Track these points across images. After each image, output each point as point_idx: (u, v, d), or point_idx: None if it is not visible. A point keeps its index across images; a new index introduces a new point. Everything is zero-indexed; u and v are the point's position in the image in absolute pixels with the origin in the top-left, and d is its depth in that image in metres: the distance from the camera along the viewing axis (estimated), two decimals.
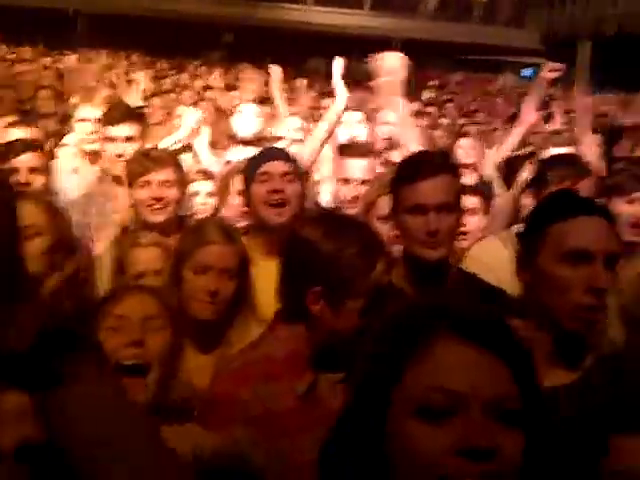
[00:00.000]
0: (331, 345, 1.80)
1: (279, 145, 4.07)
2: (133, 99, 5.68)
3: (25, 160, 3.29)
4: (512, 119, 7.23)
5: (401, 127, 3.44)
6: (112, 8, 17.91)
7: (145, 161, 3.08)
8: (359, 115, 4.93)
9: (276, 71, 5.59)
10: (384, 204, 2.84)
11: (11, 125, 4.18)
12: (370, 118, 4.96)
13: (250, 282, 2.40)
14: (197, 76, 11.05)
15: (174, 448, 1.15)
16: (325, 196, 3.91)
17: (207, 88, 8.49)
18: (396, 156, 4.37)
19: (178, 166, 3.15)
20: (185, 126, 4.44)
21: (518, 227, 2.77)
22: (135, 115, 3.76)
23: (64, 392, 1.06)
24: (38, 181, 3.32)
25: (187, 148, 4.45)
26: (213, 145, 4.79)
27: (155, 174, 3.01)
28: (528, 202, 2.95)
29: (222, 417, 1.73)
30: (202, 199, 3.73)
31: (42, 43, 12.77)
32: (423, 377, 0.99)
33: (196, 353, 2.31)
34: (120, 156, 3.50)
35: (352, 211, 3.26)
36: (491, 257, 2.67)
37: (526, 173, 3.46)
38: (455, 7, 22.71)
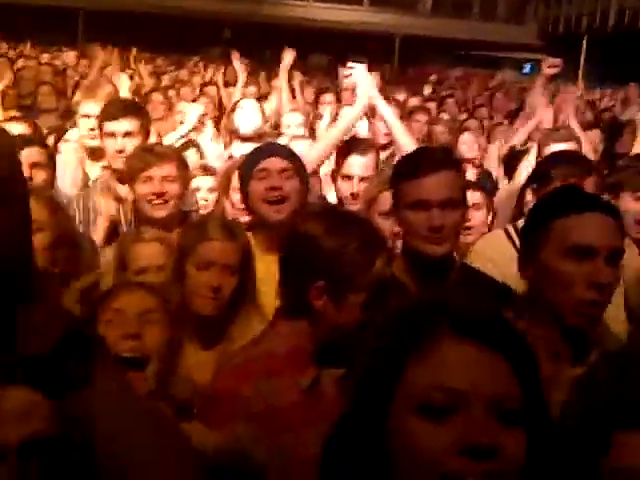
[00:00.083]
0: (334, 340, 1.80)
1: (280, 141, 4.07)
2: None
3: (26, 155, 3.28)
4: (512, 114, 7.25)
5: (393, 131, 3.45)
6: (115, 5, 17.89)
7: (147, 156, 3.07)
8: None
9: (289, 55, 5.50)
10: (385, 200, 2.84)
11: (10, 120, 4.19)
12: (370, 114, 4.96)
13: (253, 278, 2.39)
14: (196, 72, 11.04)
15: (189, 442, 1.15)
16: (328, 192, 3.91)
17: (207, 84, 8.47)
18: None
19: (180, 161, 3.14)
20: (188, 122, 4.43)
21: (522, 222, 2.77)
22: (134, 110, 3.75)
23: (88, 394, 1.07)
24: (39, 176, 3.32)
25: (190, 144, 4.45)
26: (215, 140, 4.79)
27: (157, 169, 3.00)
28: (531, 198, 2.95)
29: (224, 414, 1.73)
30: (203, 194, 3.73)
31: (42, 39, 12.76)
32: (424, 375, 0.98)
33: (198, 349, 2.31)
34: (120, 151, 3.48)
35: (353, 207, 3.26)
36: (495, 252, 2.66)
37: (527, 168, 3.46)
38: (454, 3, 22.69)
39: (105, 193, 3.38)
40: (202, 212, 3.48)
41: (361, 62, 3.60)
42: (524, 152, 4.16)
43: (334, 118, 4.71)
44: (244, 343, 1.98)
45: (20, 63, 9.36)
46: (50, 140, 4.47)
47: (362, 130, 4.64)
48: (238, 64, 6.85)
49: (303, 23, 19.49)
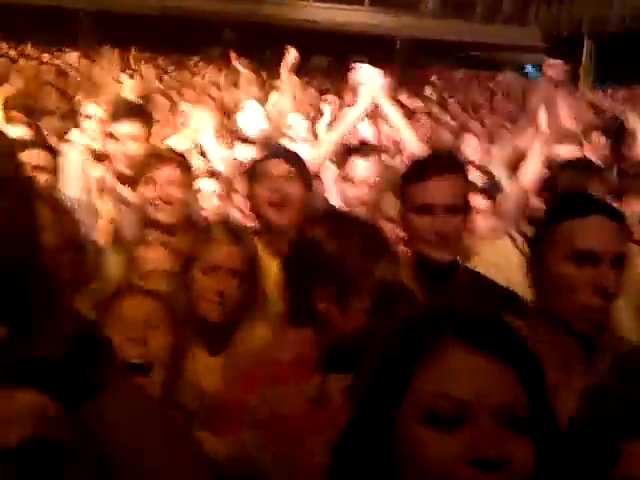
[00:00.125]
0: (340, 346, 1.79)
1: (282, 143, 4.06)
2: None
3: (28, 157, 3.28)
4: (514, 116, 7.24)
5: (398, 130, 3.45)
6: (116, 6, 17.89)
7: (150, 160, 3.07)
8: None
9: (291, 54, 5.47)
10: (390, 204, 2.84)
11: (10, 122, 4.19)
12: (375, 118, 4.95)
13: (259, 283, 2.39)
14: (197, 73, 11.03)
15: (201, 448, 1.15)
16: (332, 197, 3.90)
17: (209, 85, 8.47)
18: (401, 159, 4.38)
19: (184, 164, 3.14)
20: (194, 125, 4.42)
21: (526, 226, 2.77)
22: (138, 112, 3.75)
23: (101, 398, 1.07)
24: (42, 179, 3.31)
25: (194, 146, 4.45)
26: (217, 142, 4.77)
27: (160, 172, 3.00)
28: (537, 203, 2.95)
29: (230, 421, 1.72)
30: (207, 198, 3.72)
31: (43, 40, 12.75)
32: (430, 384, 0.98)
33: (205, 355, 2.31)
34: (124, 154, 3.48)
35: (358, 211, 3.25)
36: (500, 257, 2.66)
37: (531, 170, 3.45)
38: (456, 5, 22.68)
39: (107, 195, 3.38)
40: (206, 216, 3.47)
41: (362, 62, 3.60)
42: (527, 154, 4.15)
43: (334, 119, 4.70)
44: (250, 348, 1.97)
45: (21, 63, 9.36)
46: (53, 141, 4.47)
47: (367, 134, 4.63)
48: (240, 66, 6.80)
49: (304, 24, 19.48)
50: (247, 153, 4.13)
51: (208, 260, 2.33)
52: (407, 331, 1.05)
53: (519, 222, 3.07)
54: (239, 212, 3.35)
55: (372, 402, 1.02)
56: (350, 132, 3.51)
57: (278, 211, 2.71)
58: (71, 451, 1.15)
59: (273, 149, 3.12)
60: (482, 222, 3.28)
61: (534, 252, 1.84)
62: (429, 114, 6.81)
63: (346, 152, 3.53)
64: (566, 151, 3.81)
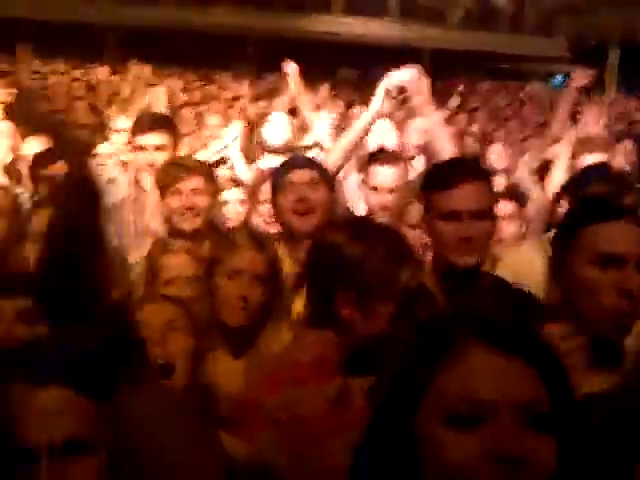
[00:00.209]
0: (362, 349, 1.79)
1: (309, 153, 4.08)
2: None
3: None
4: (542, 126, 7.21)
5: (434, 135, 3.41)
6: (143, 21, 18.11)
7: (175, 170, 3.10)
8: (388, 123, 4.92)
9: (292, 68, 5.46)
10: (414, 211, 2.84)
11: (33, 135, 4.28)
12: (399, 126, 4.95)
13: (282, 289, 2.40)
14: (225, 87, 11.12)
15: (222, 447, 1.16)
16: (356, 204, 3.90)
17: (235, 99, 8.53)
18: (422, 163, 4.36)
19: (209, 174, 3.17)
20: (227, 137, 4.45)
21: (553, 233, 2.75)
22: (165, 124, 3.78)
23: (131, 397, 1.09)
24: None
25: (223, 158, 4.49)
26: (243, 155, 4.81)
27: (185, 183, 3.03)
28: (563, 210, 2.93)
29: (250, 423, 1.73)
30: (233, 207, 3.75)
31: (73, 56, 12.94)
32: (451, 385, 0.98)
33: (228, 358, 2.33)
34: (151, 165, 3.52)
35: (382, 219, 3.25)
36: (525, 263, 2.65)
37: (559, 178, 3.43)
38: (482, 16, 22.64)
39: (135, 206, 3.42)
40: (231, 225, 3.50)
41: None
42: (555, 162, 4.13)
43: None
44: (272, 351, 1.98)
45: (53, 79, 9.52)
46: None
47: (391, 143, 4.64)
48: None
49: (330, 37, 19.57)
50: (273, 164, 4.15)
51: (231, 265, 2.35)
52: (427, 333, 1.05)
53: (545, 228, 3.05)
54: (263, 221, 3.37)
55: (392, 403, 1.03)
56: (363, 137, 3.47)
57: (302, 218, 2.72)
58: (101, 447, 1.17)
59: (296, 157, 3.13)
60: (507, 228, 3.27)
61: (558, 256, 1.84)
62: (456, 124, 6.80)
63: (368, 159, 3.53)
64: (594, 159, 3.77)
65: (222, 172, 4.23)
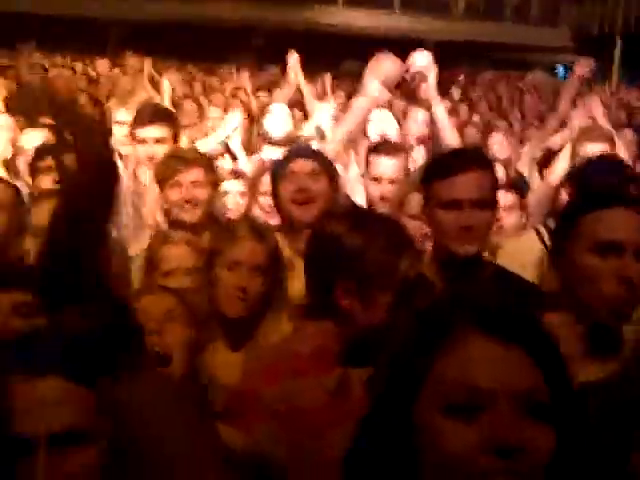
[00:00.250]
0: (361, 340, 1.79)
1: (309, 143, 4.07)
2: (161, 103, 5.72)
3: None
4: (544, 115, 7.18)
5: (440, 125, 3.39)
6: (145, 14, 18.08)
7: (174, 162, 3.09)
8: (389, 114, 4.91)
9: (293, 58, 5.40)
10: (414, 202, 2.84)
11: (32, 127, 4.28)
12: (399, 117, 4.93)
13: (282, 280, 2.40)
14: (227, 79, 11.10)
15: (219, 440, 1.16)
16: (356, 195, 3.89)
17: (237, 90, 8.51)
18: (422, 154, 4.35)
19: (208, 165, 3.16)
20: (227, 128, 4.44)
21: (552, 221, 2.74)
22: (165, 116, 3.78)
23: (129, 385, 1.09)
24: None
25: (225, 150, 4.48)
26: (244, 147, 4.80)
27: (185, 175, 3.02)
28: (565, 199, 2.92)
29: (249, 414, 1.73)
30: (233, 199, 3.74)
31: (74, 49, 12.94)
32: (449, 372, 0.98)
33: (227, 350, 2.33)
34: (151, 158, 3.51)
35: (383, 209, 3.25)
36: (526, 252, 2.64)
37: (560, 167, 3.42)
38: (486, 7, 22.57)
39: (136, 198, 3.42)
40: (232, 216, 3.50)
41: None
42: (557, 152, 4.12)
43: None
44: (271, 343, 1.98)
45: (54, 72, 9.51)
46: None
47: (392, 133, 4.63)
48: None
49: (334, 29, 19.51)
50: (274, 155, 4.14)
51: (231, 256, 2.35)
52: (425, 321, 1.05)
53: (546, 218, 3.04)
54: (263, 213, 3.37)
55: (391, 392, 1.03)
56: (358, 125, 3.42)
57: (302, 208, 2.72)
58: (101, 437, 1.17)
59: (297, 147, 3.12)
60: (508, 218, 3.26)
61: (558, 244, 1.83)
62: (457, 114, 6.79)
63: (369, 150, 3.52)
64: (596, 148, 3.76)
65: (222, 163, 4.22)
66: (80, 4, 18.05)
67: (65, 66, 10.46)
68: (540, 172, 4.14)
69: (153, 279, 2.52)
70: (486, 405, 0.95)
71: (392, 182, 3.44)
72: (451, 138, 3.33)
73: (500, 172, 4.05)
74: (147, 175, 3.40)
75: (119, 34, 17.66)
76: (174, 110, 5.30)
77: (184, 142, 4.28)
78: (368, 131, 4.31)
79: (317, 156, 2.88)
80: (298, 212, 2.73)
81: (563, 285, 1.81)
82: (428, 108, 3.55)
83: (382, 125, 4.66)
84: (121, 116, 4.67)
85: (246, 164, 4.38)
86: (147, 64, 7.13)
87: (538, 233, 2.80)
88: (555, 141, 4.48)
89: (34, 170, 3.69)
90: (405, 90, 4.68)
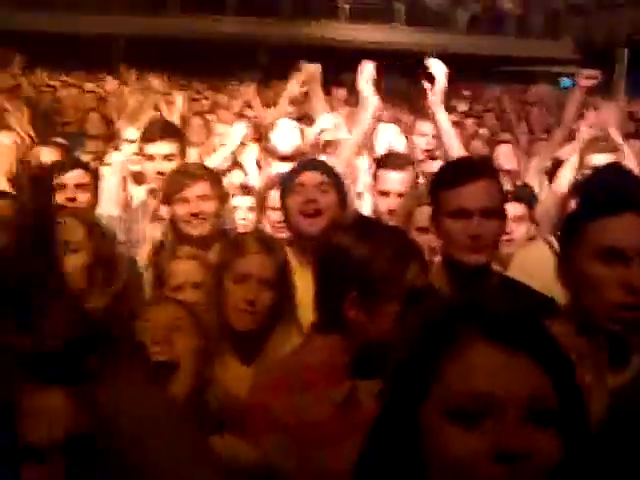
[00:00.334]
0: (370, 351, 1.79)
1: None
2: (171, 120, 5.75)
3: (72, 176, 3.40)
4: (549, 126, 7.18)
5: (445, 136, 3.39)
6: (152, 31, 18.20)
7: (180, 177, 3.11)
8: (396, 127, 4.92)
9: (310, 67, 5.37)
10: (422, 215, 2.84)
11: (43, 145, 4.33)
12: (406, 131, 4.95)
13: (291, 293, 2.39)
14: (234, 96, 11.14)
15: (210, 451, 1.16)
16: (364, 208, 3.90)
17: (245, 107, 8.54)
18: (435, 167, 4.35)
19: (215, 179, 3.17)
20: (232, 142, 4.46)
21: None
22: (173, 132, 3.80)
23: (106, 388, 1.09)
24: (83, 197, 3.41)
25: (236, 165, 4.49)
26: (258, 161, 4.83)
27: (191, 190, 3.04)
28: (573, 207, 2.91)
29: (257, 427, 1.72)
30: (243, 214, 3.76)
31: (82, 68, 13.03)
32: (455, 379, 0.98)
33: (237, 364, 2.32)
34: (160, 174, 3.53)
35: (391, 223, 3.25)
36: (536, 263, 2.63)
37: (567, 177, 3.42)
38: (489, 20, 22.63)
39: (148, 217, 3.44)
40: (241, 231, 3.51)
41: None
42: (564, 163, 4.12)
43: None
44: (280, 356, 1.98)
45: (64, 92, 9.58)
46: (95, 164, 4.58)
47: (399, 147, 4.64)
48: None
49: (337, 43, 19.59)
50: (282, 169, 4.16)
51: (239, 270, 2.35)
52: (431, 327, 1.05)
53: (555, 228, 3.04)
54: (272, 228, 3.38)
55: (398, 396, 1.03)
56: (366, 135, 3.44)
57: (310, 220, 2.73)
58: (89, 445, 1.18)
59: (306, 160, 3.14)
60: (518, 230, 3.26)
61: (564, 251, 1.82)
62: (464, 127, 6.80)
63: (376, 163, 3.53)
64: (603, 159, 3.76)
65: (237, 179, 4.24)
66: (85, 21, 18.20)
67: (73, 85, 10.53)
68: (550, 182, 4.14)
69: (162, 294, 2.53)
70: (491, 412, 0.95)
71: (400, 196, 3.44)
72: (455, 145, 3.34)
73: (507, 183, 4.06)
74: (137, 192, 3.43)
75: (126, 52, 17.77)
76: (182, 127, 5.35)
77: (193, 159, 4.30)
78: (375, 146, 4.32)
79: (326, 169, 2.89)
80: (306, 224, 2.73)
81: (570, 293, 1.80)
82: (435, 121, 3.56)
83: (390, 139, 4.67)
84: (130, 134, 4.72)
85: (256, 179, 4.39)
86: (156, 82, 7.17)
87: (548, 243, 2.80)
88: (564, 152, 4.48)
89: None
90: (412, 104, 4.70)
